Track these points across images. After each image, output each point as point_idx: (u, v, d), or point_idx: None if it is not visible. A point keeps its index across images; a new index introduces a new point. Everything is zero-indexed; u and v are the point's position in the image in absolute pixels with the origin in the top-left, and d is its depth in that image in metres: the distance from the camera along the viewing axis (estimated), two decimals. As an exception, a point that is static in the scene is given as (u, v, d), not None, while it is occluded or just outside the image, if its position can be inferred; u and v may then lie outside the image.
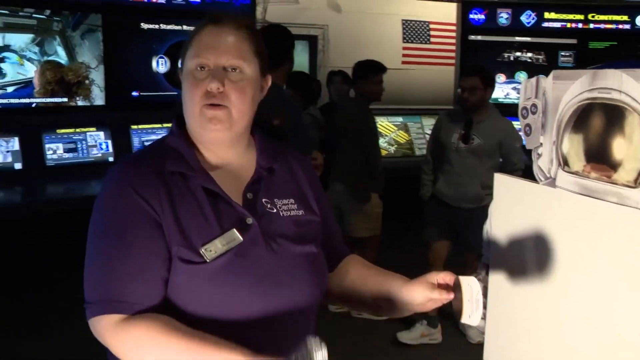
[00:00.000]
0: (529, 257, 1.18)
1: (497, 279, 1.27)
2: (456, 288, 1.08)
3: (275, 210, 1.09)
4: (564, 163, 1.11)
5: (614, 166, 1.01)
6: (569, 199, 1.08)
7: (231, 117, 1.05)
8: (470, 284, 1.07)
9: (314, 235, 1.13)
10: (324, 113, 4.29)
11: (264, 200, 1.09)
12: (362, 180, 3.61)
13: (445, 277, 1.10)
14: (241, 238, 1.01)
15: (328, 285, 1.23)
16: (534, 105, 1.19)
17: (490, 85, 3.29)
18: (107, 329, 0.97)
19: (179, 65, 1.12)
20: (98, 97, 4.44)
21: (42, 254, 3.69)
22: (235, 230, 1.02)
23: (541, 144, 1.16)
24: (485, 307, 1.13)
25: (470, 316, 1.07)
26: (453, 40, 6.25)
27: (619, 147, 1.00)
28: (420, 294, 1.10)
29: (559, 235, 1.11)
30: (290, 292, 1.04)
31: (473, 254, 2.90)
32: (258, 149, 1.15)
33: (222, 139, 1.09)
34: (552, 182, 1.13)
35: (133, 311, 0.97)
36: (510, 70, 6.22)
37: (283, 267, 1.04)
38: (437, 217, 3.35)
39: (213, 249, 1.00)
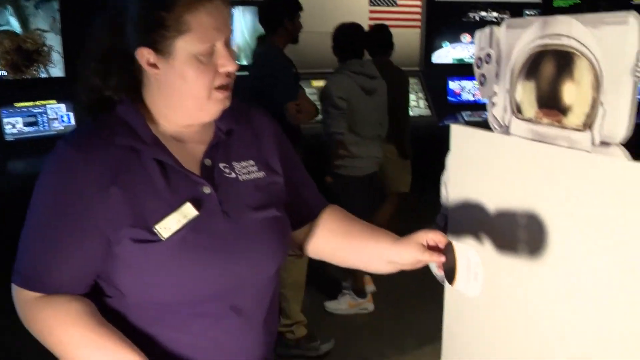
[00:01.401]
0: (487, 205, 1.20)
1: (456, 230, 1.30)
2: (447, 251, 1.06)
3: (234, 175, 1.05)
4: (517, 110, 1.12)
5: (564, 111, 1.02)
6: (523, 145, 1.10)
7: (230, 92, 1.03)
8: (468, 255, 1.04)
9: (276, 197, 1.10)
10: None
11: (221, 165, 1.05)
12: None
13: (435, 238, 1.07)
14: (196, 212, 0.97)
15: (304, 240, 1.22)
16: (488, 55, 1.20)
17: None
18: (24, 302, 0.99)
19: (144, 41, 0.97)
20: (58, 67, 4.31)
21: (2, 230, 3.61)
22: (189, 204, 0.98)
23: (495, 93, 1.17)
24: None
25: (465, 285, 1.05)
26: (419, 2, 6.21)
27: (568, 92, 1.01)
28: (409, 255, 1.08)
29: (514, 182, 1.12)
30: (251, 262, 1.03)
31: None
32: None
33: (215, 117, 1.04)
34: (506, 130, 1.14)
35: (52, 292, 0.97)
36: (476, 30, 6.20)
37: (243, 237, 1.02)
38: None
39: (168, 226, 0.95)
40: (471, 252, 1.03)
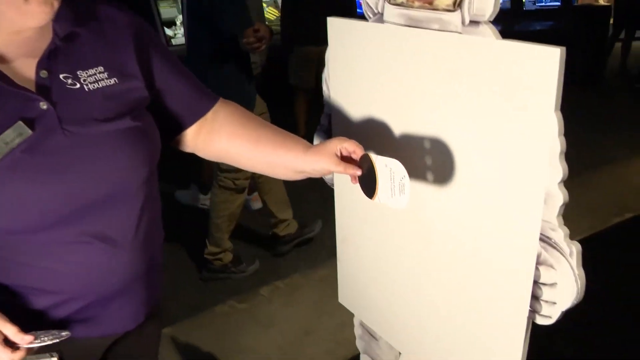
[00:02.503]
0: (368, 99, 1.16)
1: (340, 128, 1.26)
2: (363, 162, 0.99)
3: (78, 86, 0.93)
4: (390, -5, 1.06)
5: (434, -9, 0.97)
6: (396, 33, 1.05)
7: None
8: (390, 167, 0.96)
9: (132, 105, 0.98)
10: None
11: (62, 76, 0.92)
12: None
13: (350, 147, 0.99)
14: (30, 131, 0.86)
15: (198, 142, 1.12)
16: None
17: None
18: None
19: None
20: None
21: None
22: (21, 123, 0.86)
23: (368, -22, 1.10)
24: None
25: (389, 199, 0.98)
26: None
27: (438, -29, 0.96)
28: (321, 166, 1.01)
29: (393, 72, 1.08)
30: (98, 179, 0.92)
31: None
32: (57, 11, 0.93)
33: (45, 21, 0.89)
34: (380, 17, 1.09)
35: None
36: None
37: (86, 153, 0.91)
38: None
39: None
40: (394, 164, 0.94)
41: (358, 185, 1.02)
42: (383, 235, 1.23)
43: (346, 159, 1.02)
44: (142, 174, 0.98)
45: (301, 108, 4.25)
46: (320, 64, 3.91)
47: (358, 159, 1.00)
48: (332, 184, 1.35)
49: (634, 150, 4.20)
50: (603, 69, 6.28)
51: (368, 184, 1.00)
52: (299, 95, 4.23)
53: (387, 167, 0.95)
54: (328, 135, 1.31)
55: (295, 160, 1.06)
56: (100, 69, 0.96)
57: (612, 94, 5.82)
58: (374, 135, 1.15)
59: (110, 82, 0.96)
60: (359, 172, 0.99)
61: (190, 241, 3.12)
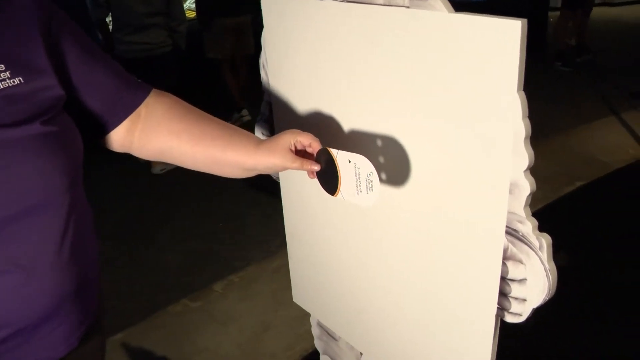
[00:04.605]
0: (311, 83, 1.05)
1: (283, 118, 1.14)
2: (322, 157, 0.90)
3: None
4: (328, -32, 0.94)
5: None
6: (339, 9, 0.93)
7: None
8: (354, 162, 0.86)
9: (43, 106, 0.83)
10: None
11: None
12: None
13: (305, 141, 0.91)
14: None
15: (130, 141, 0.98)
16: None
17: None
18: None
19: None
20: None
21: None
22: None
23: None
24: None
25: (354, 197, 0.88)
26: None
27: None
28: (276, 163, 0.92)
29: (337, 51, 0.97)
30: (10, 195, 0.78)
31: None
32: None
33: None
34: (318, -7, 0.97)
35: None
36: None
37: None
38: None
39: None
40: (359, 159, 0.86)
41: (306, 179, 0.92)
42: (335, 231, 1.13)
43: (301, 154, 0.92)
44: (61, 185, 0.84)
45: (231, 80, 4.39)
46: (238, 33, 4.18)
47: (315, 154, 0.91)
48: (277, 178, 1.24)
49: (579, 120, 4.25)
50: (544, 39, 6.34)
51: (328, 180, 0.91)
52: (222, 68, 4.34)
53: (350, 163, 0.86)
54: (270, 125, 1.19)
55: (245, 157, 0.94)
56: (1, 67, 0.80)
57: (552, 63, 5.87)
58: (320, 124, 1.04)
59: (14, 82, 0.81)
60: (317, 168, 0.90)
61: (138, 239, 2.97)
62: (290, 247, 1.30)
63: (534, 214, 0.79)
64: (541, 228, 0.79)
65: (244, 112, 4.48)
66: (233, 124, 1.00)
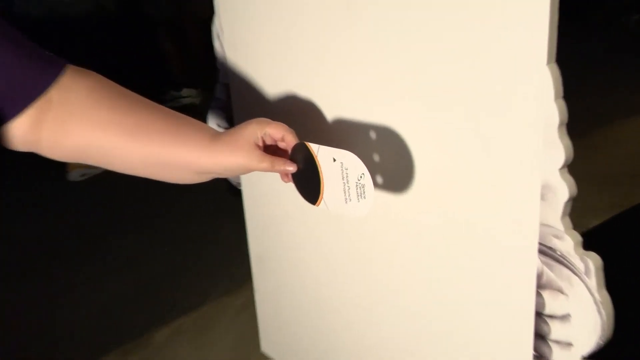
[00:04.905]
0: (280, 51, 1.09)
1: (245, 104, 1.18)
2: (298, 154, 0.92)
3: None
4: None
5: None
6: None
7: None
8: (341, 161, 0.88)
9: None
10: None
11: None
12: None
13: (276, 134, 0.93)
14: None
15: (37, 137, 1.00)
16: None
17: None
18: None
19: None
20: None
21: None
22: None
23: None
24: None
25: (342, 206, 0.91)
26: None
27: None
28: (237, 164, 0.94)
29: (313, 11, 1.01)
30: None
31: None
32: None
33: None
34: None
35: None
36: None
37: None
38: None
39: None
40: (347, 158, 0.87)
41: (277, 183, 0.95)
42: (317, 253, 1.17)
43: (271, 150, 0.95)
44: None
45: (171, 47, 4.49)
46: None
47: (289, 150, 0.94)
48: (239, 184, 1.27)
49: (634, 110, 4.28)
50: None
51: (307, 184, 0.94)
52: (158, 32, 4.46)
53: (336, 162, 0.89)
54: (227, 114, 1.22)
55: (197, 156, 0.97)
56: None
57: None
58: (295, 111, 1.08)
59: None
60: (292, 169, 0.93)
61: (49, 273, 2.99)
62: (257, 277, 1.34)
63: (595, 228, 0.81)
64: (595, 246, 0.82)
65: (186, 91, 4.49)
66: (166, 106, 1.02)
